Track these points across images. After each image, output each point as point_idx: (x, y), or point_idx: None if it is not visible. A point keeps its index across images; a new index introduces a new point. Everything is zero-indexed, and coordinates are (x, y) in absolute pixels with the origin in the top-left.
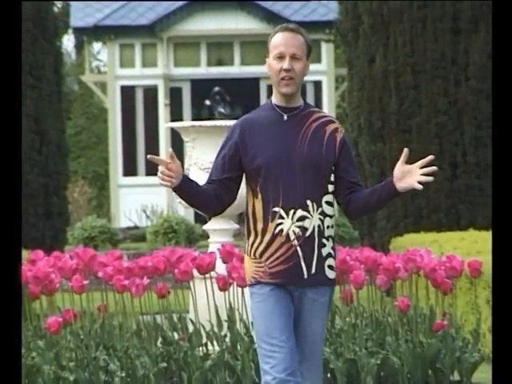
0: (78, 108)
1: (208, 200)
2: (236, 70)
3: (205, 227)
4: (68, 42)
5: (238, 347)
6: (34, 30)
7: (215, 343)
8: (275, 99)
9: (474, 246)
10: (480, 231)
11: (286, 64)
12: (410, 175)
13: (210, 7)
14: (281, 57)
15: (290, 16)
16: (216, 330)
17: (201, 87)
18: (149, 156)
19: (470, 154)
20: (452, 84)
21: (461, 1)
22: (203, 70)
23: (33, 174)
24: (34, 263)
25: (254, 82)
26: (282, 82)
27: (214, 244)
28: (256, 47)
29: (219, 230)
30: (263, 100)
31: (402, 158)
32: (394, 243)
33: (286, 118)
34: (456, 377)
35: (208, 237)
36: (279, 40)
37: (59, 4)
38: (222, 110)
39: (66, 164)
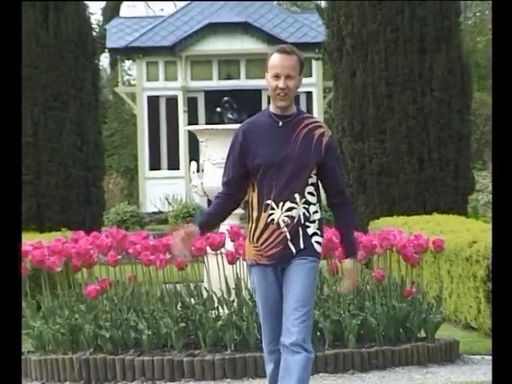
0: (112, 114)
1: (225, 211)
2: (242, 82)
3: None
4: (104, 59)
5: (244, 310)
6: (76, 51)
7: (225, 307)
8: (272, 108)
9: (437, 227)
10: (442, 215)
11: (281, 83)
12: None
13: (220, 31)
14: (277, 76)
15: (286, 38)
16: (225, 296)
17: (213, 97)
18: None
19: (434, 151)
20: (419, 94)
21: (426, 26)
22: (215, 83)
23: (75, 168)
24: (76, 241)
25: (256, 92)
26: (278, 97)
27: (224, 226)
28: (258, 64)
29: None
30: (264, 107)
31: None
32: (372, 225)
33: (281, 124)
34: (422, 334)
35: None
36: (276, 61)
37: (97, 29)
38: (230, 116)
39: (102, 160)
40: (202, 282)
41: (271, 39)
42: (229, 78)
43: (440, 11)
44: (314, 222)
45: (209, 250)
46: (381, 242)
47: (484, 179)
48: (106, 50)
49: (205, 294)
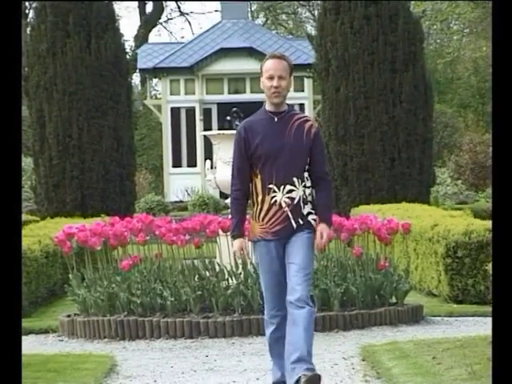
0: (142, 122)
1: (245, 209)
2: (247, 96)
3: (226, 201)
4: (135, 78)
5: (249, 281)
6: (113, 71)
7: (233, 278)
8: (268, 106)
9: (405, 213)
10: (409, 203)
11: (274, 82)
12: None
13: (230, 54)
14: (271, 77)
15: None
16: (234, 269)
17: (224, 108)
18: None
19: (402, 152)
20: (391, 106)
21: (396, 51)
22: (225, 97)
23: (112, 165)
24: (113, 225)
25: (259, 104)
26: (273, 95)
27: None
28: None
29: None
30: None
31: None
32: (353, 211)
33: (276, 119)
34: (393, 300)
35: (228, 207)
36: (269, 65)
37: (130, 53)
38: (238, 123)
39: (134, 159)
40: (215, 257)
41: None
42: (237, 92)
43: (407, 39)
44: (308, 203)
45: (220, 232)
46: (360, 225)
47: (443, 174)
48: (137, 70)
49: (217, 268)
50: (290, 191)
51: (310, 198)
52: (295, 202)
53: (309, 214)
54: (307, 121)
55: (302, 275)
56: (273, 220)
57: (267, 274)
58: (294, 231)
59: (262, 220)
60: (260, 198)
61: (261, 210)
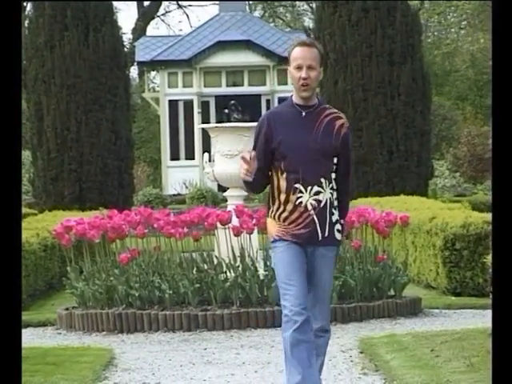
0: (140, 115)
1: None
2: (245, 89)
3: (225, 194)
4: (133, 71)
5: (247, 274)
6: (111, 64)
7: (231, 271)
8: (295, 98)
9: (403, 206)
10: (408, 196)
11: (303, 74)
12: None
13: (228, 47)
14: (299, 67)
15: (281, 53)
16: (232, 262)
17: (221, 101)
18: (241, 155)
19: (401, 144)
20: (389, 98)
21: (394, 43)
22: (223, 89)
23: (110, 158)
24: (111, 218)
25: (257, 97)
26: (302, 87)
27: (231, 205)
28: (258, 74)
29: (234, 196)
30: (264, 110)
31: None
32: (351, 204)
33: (304, 114)
34: (392, 292)
35: (226, 200)
36: (297, 53)
37: (128, 46)
38: (236, 116)
39: (132, 152)
40: (213, 250)
41: (269, 54)
42: (235, 85)
43: (405, 31)
44: (336, 208)
45: (219, 225)
46: (358, 218)
47: (441, 167)
48: (135, 63)
49: (215, 261)
50: (318, 193)
51: (336, 203)
52: (322, 205)
53: (336, 222)
54: (338, 118)
55: (325, 304)
56: (297, 222)
57: (291, 267)
58: (318, 242)
59: (284, 221)
60: (283, 197)
61: (283, 210)
